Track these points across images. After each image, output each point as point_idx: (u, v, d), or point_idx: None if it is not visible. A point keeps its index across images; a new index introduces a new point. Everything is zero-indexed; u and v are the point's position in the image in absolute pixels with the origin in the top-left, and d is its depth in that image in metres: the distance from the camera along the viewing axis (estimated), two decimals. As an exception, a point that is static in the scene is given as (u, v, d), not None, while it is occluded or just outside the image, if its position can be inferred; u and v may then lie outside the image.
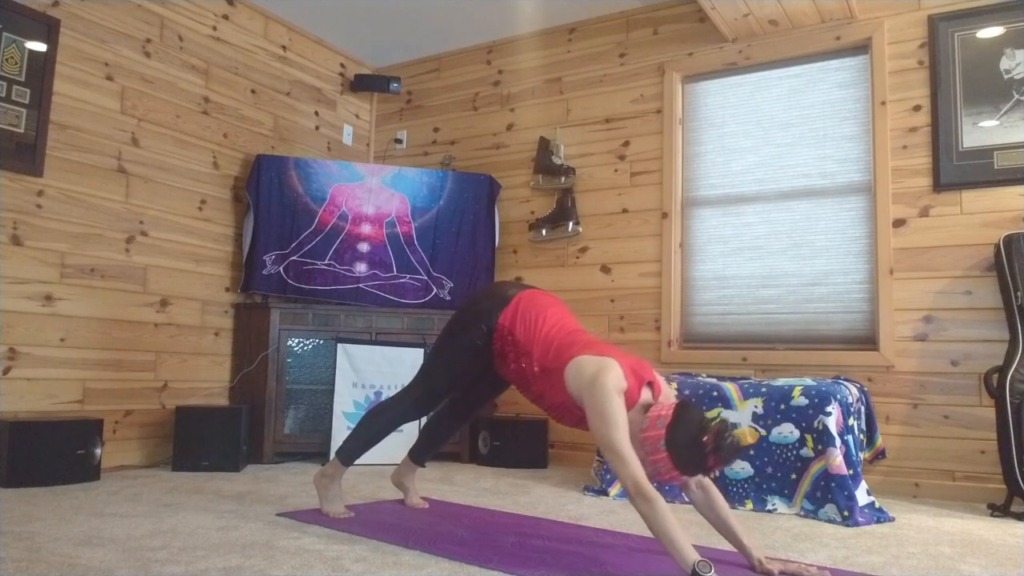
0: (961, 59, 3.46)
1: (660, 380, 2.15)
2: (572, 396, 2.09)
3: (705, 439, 1.82)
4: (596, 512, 2.77)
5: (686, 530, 2.07)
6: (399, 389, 2.66)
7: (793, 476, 2.93)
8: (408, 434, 3.75)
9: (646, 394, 2.06)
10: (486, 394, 2.68)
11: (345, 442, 2.58)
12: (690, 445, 1.84)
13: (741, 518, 2.77)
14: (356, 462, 2.70)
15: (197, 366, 3.98)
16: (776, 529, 2.58)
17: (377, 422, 2.55)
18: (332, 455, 3.50)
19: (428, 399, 2.51)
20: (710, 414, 1.83)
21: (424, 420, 3.52)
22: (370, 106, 5.26)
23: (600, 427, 1.91)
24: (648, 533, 2.33)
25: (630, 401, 2.01)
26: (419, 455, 2.79)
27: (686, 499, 2.43)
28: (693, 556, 1.70)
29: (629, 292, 4.19)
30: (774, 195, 3.91)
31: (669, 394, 2.16)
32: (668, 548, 1.74)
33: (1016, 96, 3.34)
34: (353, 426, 2.78)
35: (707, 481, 2.05)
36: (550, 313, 2.31)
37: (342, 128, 5.00)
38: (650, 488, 1.79)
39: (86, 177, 3.48)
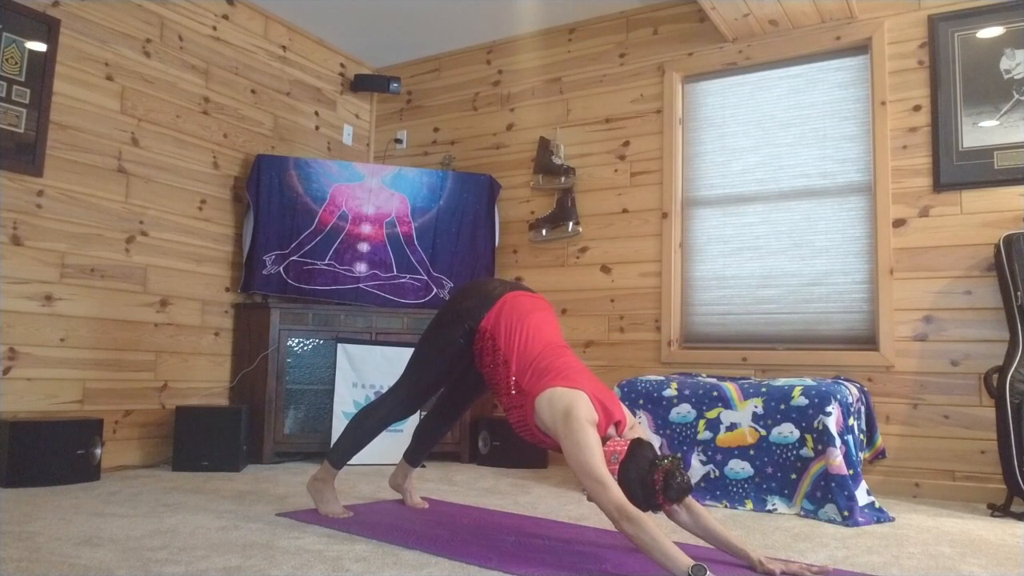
0: (961, 59, 3.46)
1: (626, 414, 2.19)
2: (543, 423, 2.11)
3: (655, 477, 1.88)
4: (596, 512, 2.77)
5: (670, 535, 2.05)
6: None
7: (793, 476, 2.93)
8: (408, 434, 3.75)
9: (610, 430, 2.12)
10: (474, 391, 2.67)
11: (335, 445, 2.57)
12: (640, 482, 1.90)
13: (741, 518, 2.77)
14: (350, 463, 2.69)
15: (197, 366, 3.98)
16: (776, 529, 2.58)
17: (365, 423, 2.54)
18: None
19: (415, 397, 2.51)
20: (665, 457, 1.92)
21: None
22: (370, 106, 5.26)
23: (578, 455, 1.94)
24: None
25: (598, 434, 2.05)
26: (413, 456, 2.79)
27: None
28: (687, 562, 1.71)
29: (629, 292, 4.19)
30: (774, 195, 3.91)
31: (635, 425, 2.20)
32: (661, 561, 1.75)
33: (1016, 96, 3.34)
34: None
35: (688, 499, 2.05)
36: (532, 321, 2.31)
37: (342, 128, 5.00)
38: (632, 508, 1.82)
39: (86, 177, 3.48)
